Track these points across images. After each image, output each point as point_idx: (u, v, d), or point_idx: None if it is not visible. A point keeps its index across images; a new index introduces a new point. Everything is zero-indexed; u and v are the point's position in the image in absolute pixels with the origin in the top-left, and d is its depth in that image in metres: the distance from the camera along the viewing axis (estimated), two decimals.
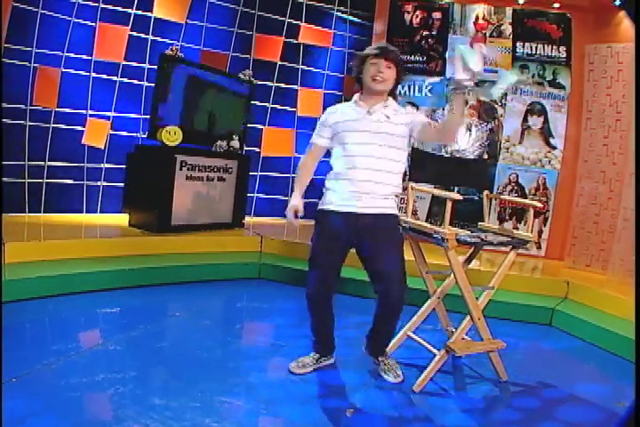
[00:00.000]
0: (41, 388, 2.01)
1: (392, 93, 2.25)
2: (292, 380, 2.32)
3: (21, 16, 4.27)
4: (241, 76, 5.06)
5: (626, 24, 4.40)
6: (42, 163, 4.61)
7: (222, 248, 4.35)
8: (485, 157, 5.10)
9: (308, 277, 2.29)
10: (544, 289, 3.84)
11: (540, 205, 2.65)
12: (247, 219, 5.21)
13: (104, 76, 4.81)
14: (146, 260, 3.80)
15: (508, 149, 5.04)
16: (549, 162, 4.96)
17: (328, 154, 2.34)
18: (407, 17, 5.29)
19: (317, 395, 2.23)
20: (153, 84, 4.50)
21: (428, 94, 5.23)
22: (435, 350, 2.41)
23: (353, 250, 2.27)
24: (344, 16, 5.74)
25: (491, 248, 3.36)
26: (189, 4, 5.01)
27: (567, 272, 4.29)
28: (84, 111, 4.73)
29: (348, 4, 5.70)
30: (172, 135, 4.25)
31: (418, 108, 5.24)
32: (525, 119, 5.01)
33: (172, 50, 4.39)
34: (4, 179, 4.22)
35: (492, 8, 5.08)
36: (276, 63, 5.51)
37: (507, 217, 5.03)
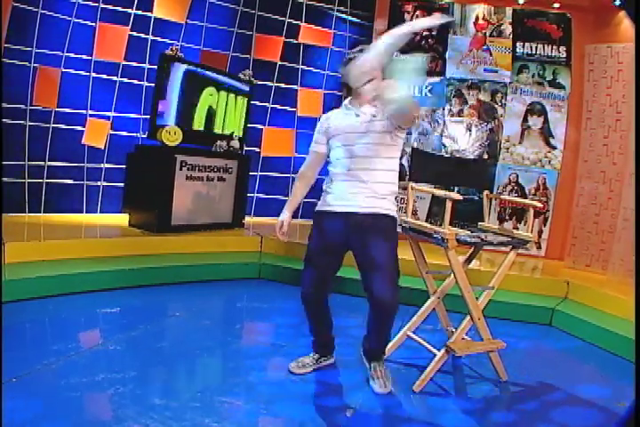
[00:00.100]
0: (41, 388, 2.01)
1: None
2: (291, 380, 2.32)
3: (21, 16, 4.27)
4: (241, 76, 5.06)
5: (626, 24, 4.40)
6: (42, 163, 4.61)
7: (222, 248, 4.35)
8: (485, 157, 5.10)
9: (303, 276, 2.29)
10: (544, 289, 3.84)
11: (540, 205, 2.65)
12: (247, 219, 5.21)
13: (104, 76, 4.82)
14: (146, 260, 3.80)
15: (507, 149, 5.05)
16: (549, 162, 4.96)
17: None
18: (407, 17, 5.29)
19: (317, 395, 2.23)
20: (153, 84, 4.49)
21: (428, 94, 5.22)
22: (435, 350, 2.41)
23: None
24: (344, 16, 5.74)
25: (491, 248, 3.36)
26: (189, 4, 5.02)
27: (567, 272, 4.29)
28: (84, 111, 4.74)
29: (347, 4, 5.70)
30: (171, 135, 4.25)
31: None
32: (525, 119, 5.01)
33: (172, 50, 4.39)
34: (4, 179, 4.22)
35: (492, 8, 5.08)
36: (276, 63, 5.51)
37: (507, 217, 5.04)
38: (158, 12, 4.82)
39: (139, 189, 4.42)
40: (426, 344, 2.50)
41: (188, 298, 3.52)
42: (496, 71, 5.07)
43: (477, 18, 5.12)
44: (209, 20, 5.28)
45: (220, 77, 4.85)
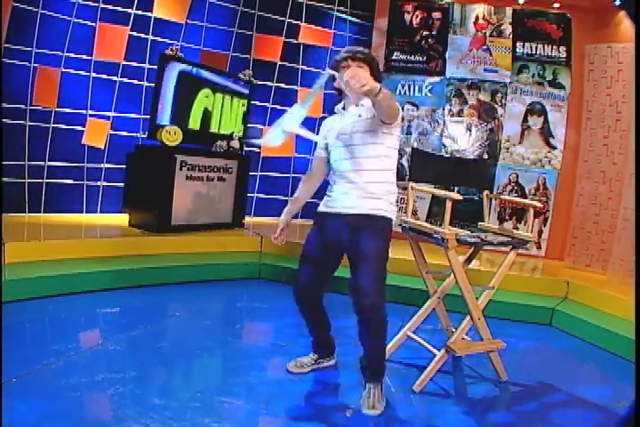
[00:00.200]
0: (41, 388, 2.01)
1: None
2: (291, 380, 2.32)
3: (21, 16, 4.27)
4: (241, 76, 5.06)
5: (626, 24, 4.40)
6: (42, 163, 4.60)
7: (222, 248, 4.35)
8: (485, 157, 5.10)
9: (298, 273, 2.29)
10: (544, 289, 3.84)
11: (540, 205, 2.65)
12: (247, 219, 5.21)
13: (104, 76, 4.81)
14: (146, 260, 3.80)
15: (507, 149, 5.05)
16: (549, 162, 4.96)
17: None
18: (407, 17, 5.29)
19: (317, 395, 2.23)
20: (153, 84, 4.49)
21: (428, 94, 5.23)
22: (435, 350, 2.41)
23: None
24: (344, 16, 5.74)
25: (491, 248, 3.36)
26: (189, 4, 5.01)
27: (567, 272, 4.29)
28: (84, 111, 4.73)
29: (347, 4, 5.70)
30: (171, 135, 4.25)
31: (418, 108, 5.24)
32: (525, 119, 5.01)
33: (172, 50, 4.39)
34: (4, 179, 4.22)
35: (492, 8, 5.08)
36: (276, 63, 5.51)
37: (507, 217, 5.04)
38: (158, 12, 4.82)
39: (139, 189, 4.42)
40: (426, 344, 2.49)
41: (188, 298, 3.52)
42: (496, 71, 5.08)
43: (477, 18, 5.12)
44: (209, 20, 5.28)
45: (217, 79, 4.85)
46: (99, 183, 4.97)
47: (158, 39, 4.98)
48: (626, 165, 4.04)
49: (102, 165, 4.93)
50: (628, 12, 4.27)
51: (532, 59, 5.00)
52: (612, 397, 2.42)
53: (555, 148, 4.95)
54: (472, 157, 5.11)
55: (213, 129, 4.89)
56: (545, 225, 4.96)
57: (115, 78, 4.85)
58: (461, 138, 5.15)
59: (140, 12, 4.81)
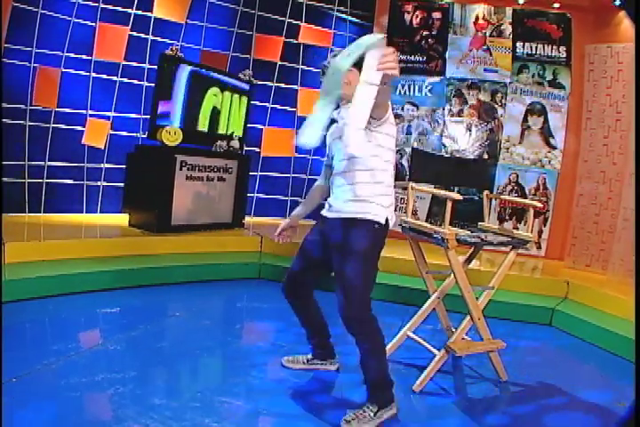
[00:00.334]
0: (41, 388, 2.01)
1: None
2: (291, 380, 2.32)
3: (21, 16, 4.27)
4: (241, 76, 5.06)
5: (626, 24, 4.40)
6: (42, 163, 4.61)
7: (222, 248, 4.35)
8: (485, 157, 5.10)
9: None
10: (544, 289, 3.84)
11: (540, 205, 2.65)
12: (247, 219, 5.21)
13: (104, 76, 4.81)
14: (146, 260, 3.80)
15: (507, 149, 5.05)
16: (549, 162, 4.96)
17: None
18: (407, 17, 5.29)
19: (317, 395, 2.23)
20: (153, 84, 4.49)
21: (428, 94, 5.23)
22: (435, 350, 2.41)
23: None
24: (344, 16, 5.74)
25: (491, 248, 3.36)
26: (189, 4, 5.01)
27: (567, 272, 4.29)
28: (84, 111, 4.73)
29: (348, 4, 5.70)
30: (171, 135, 4.25)
31: (418, 108, 5.24)
32: (525, 119, 5.01)
33: (172, 50, 4.39)
34: (4, 179, 4.22)
35: (492, 8, 5.08)
36: (276, 63, 5.51)
37: (507, 217, 5.04)
38: (158, 12, 4.82)
39: (139, 189, 4.42)
40: (426, 344, 2.50)
41: (188, 298, 3.52)
42: (496, 71, 5.08)
43: (477, 18, 5.12)
44: (209, 20, 5.28)
45: (223, 77, 4.86)
46: (99, 183, 4.97)
47: (158, 39, 4.98)
48: (626, 165, 4.04)
49: (102, 165, 4.93)
50: (628, 12, 4.27)
51: (532, 59, 5.00)
52: (612, 397, 2.42)
53: (555, 148, 4.95)
54: (472, 157, 5.11)
55: (222, 128, 4.90)
56: (545, 225, 4.96)
57: (115, 78, 4.85)
58: (461, 138, 5.15)
59: (140, 12, 4.81)
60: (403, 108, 5.25)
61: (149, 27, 4.88)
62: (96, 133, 4.64)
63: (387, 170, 2.02)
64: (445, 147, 5.17)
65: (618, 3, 4.40)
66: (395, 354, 2.59)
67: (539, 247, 4.96)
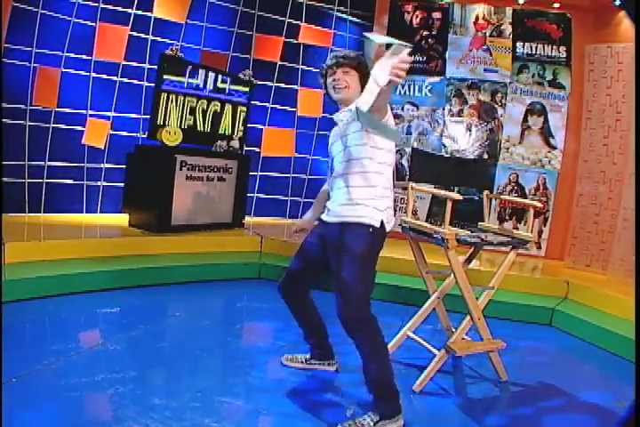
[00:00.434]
0: (41, 388, 2.01)
1: None
2: (291, 380, 2.32)
3: (21, 16, 4.27)
4: (241, 76, 5.06)
5: (626, 24, 4.40)
6: (42, 163, 4.61)
7: (222, 248, 4.35)
8: (485, 157, 5.10)
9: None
10: (544, 289, 3.84)
11: (540, 205, 2.65)
12: (247, 219, 5.21)
13: (104, 76, 4.81)
14: (146, 260, 3.80)
15: (507, 149, 5.05)
16: (549, 162, 4.96)
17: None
18: (407, 17, 5.29)
19: (317, 395, 2.23)
20: (153, 84, 4.49)
21: (428, 94, 5.23)
22: (435, 350, 2.41)
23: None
24: (344, 16, 5.74)
25: (491, 248, 3.36)
26: (189, 4, 5.01)
27: (567, 272, 4.29)
28: (84, 111, 4.74)
29: (347, 4, 5.70)
30: (171, 135, 4.25)
31: (418, 108, 5.25)
32: (525, 119, 5.01)
33: (172, 50, 4.39)
34: (4, 179, 4.22)
35: (492, 8, 5.08)
36: (276, 63, 5.51)
37: (507, 217, 5.04)
38: (158, 12, 4.82)
39: (139, 189, 4.42)
40: (426, 344, 2.50)
41: (188, 298, 3.52)
42: (496, 71, 5.08)
43: (477, 18, 5.12)
44: (209, 20, 5.28)
45: (223, 96, 4.85)
46: (99, 183, 4.97)
47: (158, 39, 4.98)
48: (626, 165, 4.04)
49: (102, 165, 4.93)
50: (628, 12, 4.27)
51: (532, 59, 5.00)
52: (611, 397, 2.42)
53: (555, 148, 4.95)
54: (472, 157, 5.12)
55: (221, 130, 4.91)
56: (545, 225, 4.96)
57: (115, 78, 4.85)
58: (461, 138, 5.15)
59: (140, 12, 4.81)
60: (403, 108, 5.25)
61: (149, 27, 4.88)
62: (96, 133, 4.64)
63: (382, 173, 1.99)
64: (445, 147, 5.17)
65: (618, 3, 4.40)
66: (395, 354, 2.59)
67: (539, 247, 4.96)
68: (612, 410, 2.28)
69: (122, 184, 4.83)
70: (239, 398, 2.09)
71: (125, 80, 4.92)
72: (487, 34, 5.10)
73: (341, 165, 2.01)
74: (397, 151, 5.12)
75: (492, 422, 2.17)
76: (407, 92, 5.26)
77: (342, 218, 1.99)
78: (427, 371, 2.33)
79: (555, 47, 4.95)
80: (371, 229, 1.94)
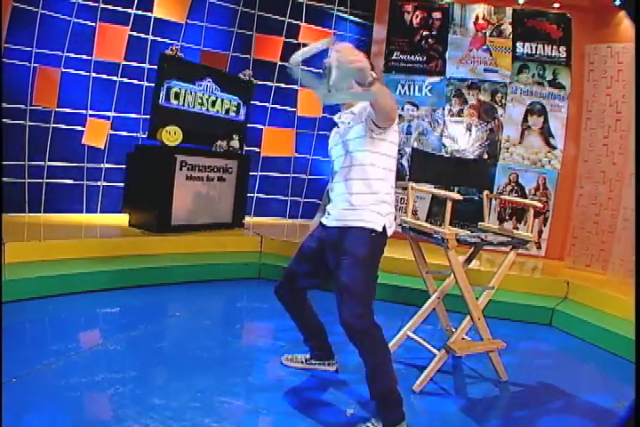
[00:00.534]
0: (41, 388, 2.01)
1: None
2: (291, 380, 2.32)
3: (21, 16, 4.27)
4: (241, 76, 5.06)
5: (626, 24, 4.40)
6: (42, 163, 4.61)
7: (222, 248, 4.35)
8: (485, 157, 5.10)
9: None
10: (544, 289, 3.84)
11: (540, 205, 2.65)
12: (247, 219, 5.21)
13: (104, 76, 4.81)
14: (146, 260, 3.80)
15: (507, 149, 5.05)
16: (549, 162, 4.96)
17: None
18: (407, 17, 5.29)
19: (317, 395, 2.23)
20: (153, 84, 4.49)
21: (428, 94, 5.23)
22: (435, 350, 2.41)
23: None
24: (344, 16, 5.74)
25: (491, 248, 3.36)
26: (189, 4, 5.02)
27: (567, 272, 4.29)
28: (84, 111, 4.74)
29: (348, 4, 5.70)
30: (171, 135, 4.25)
31: (418, 108, 5.25)
32: (525, 119, 5.01)
33: (172, 50, 4.39)
34: (4, 179, 4.22)
35: (492, 8, 5.08)
36: (276, 63, 5.51)
37: (507, 217, 5.04)
38: (158, 12, 4.82)
39: (139, 189, 4.42)
40: (426, 344, 2.50)
41: (188, 298, 3.52)
42: (496, 71, 5.08)
43: (477, 18, 5.12)
44: (209, 20, 5.28)
45: (221, 115, 4.87)
46: (99, 183, 4.97)
47: (158, 39, 4.98)
48: (626, 165, 4.04)
49: (102, 165, 4.93)
50: (628, 12, 4.27)
51: (532, 59, 5.00)
52: (611, 397, 2.42)
53: (555, 148, 4.95)
54: (472, 157, 5.12)
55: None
56: (545, 225, 4.96)
57: (115, 78, 4.85)
58: (461, 138, 5.15)
59: (140, 12, 4.81)
60: (403, 108, 5.25)
61: (149, 27, 4.88)
62: (96, 133, 4.64)
63: (385, 179, 1.97)
64: (445, 147, 5.17)
65: (618, 3, 4.40)
66: (395, 354, 2.58)
67: (539, 247, 4.96)
68: (612, 410, 2.28)
69: (122, 184, 4.83)
70: (239, 398, 2.09)
71: (125, 80, 4.92)
72: (487, 34, 5.10)
73: (343, 171, 1.99)
74: (397, 151, 5.11)
75: (492, 423, 2.17)
76: (407, 92, 5.26)
77: (344, 222, 1.97)
78: (427, 371, 2.33)
79: (555, 47, 4.95)
80: (373, 234, 1.92)
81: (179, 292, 3.62)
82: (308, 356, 2.46)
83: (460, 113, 5.16)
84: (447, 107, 5.18)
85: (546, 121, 4.97)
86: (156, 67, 4.44)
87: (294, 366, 2.45)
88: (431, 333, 2.88)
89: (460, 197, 2.23)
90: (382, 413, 1.93)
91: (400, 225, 2.52)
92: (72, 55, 4.61)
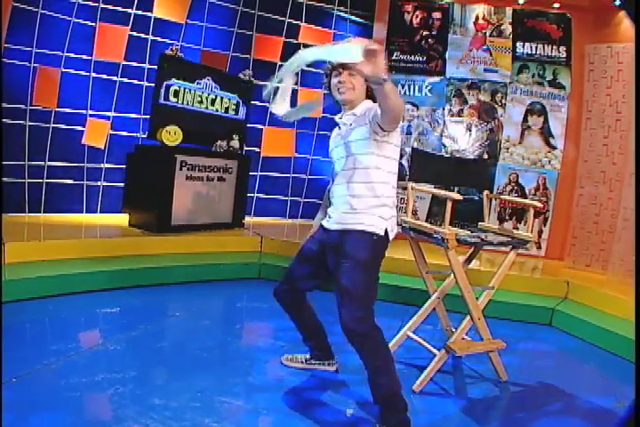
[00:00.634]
0: (41, 388, 2.01)
1: (372, 97, 2.00)
2: (291, 379, 2.32)
3: (21, 16, 4.27)
4: (241, 76, 5.06)
5: (626, 24, 4.40)
6: (42, 163, 4.61)
7: (222, 248, 4.35)
8: (485, 157, 5.10)
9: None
10: (544, 289, 3.84)
11: (540, 205, 2.65)
12: (247, 219, 5.21)
13: (104, 76, 4.82)
14: (146, 260, 3.80)
15: (507, 149, 5.05)
16: (549, 162, 4.96)
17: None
18: (407, 17, 5.29)
19: (317, 395, 2.23)
20: (153, 84, 4.50)
21: (428, 94, 5.23)
22: (435, 350, 2.41)
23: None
24: (344, 16, 5.74)
25: (491, 248, 3.36)
26: (189, 4, 5.02)
27: (567, 272, 4.29)
28: (84, 111, 4.74)
29: (348, 4, 5.70)
30: (171, 135, 4.25)
31: (418, 108, 5.24)
32: (525, 119, 5.01)
33: (172, 50, 4.39)
34: (4, 179, 4.22)
35: (492, 8, 5.08)
36: (276, 63, 5.51)
37: (507, 217, 5.04)
38: (158, 12, 4.82)
39: (139, 189, 4.42)
40: (426, 344, 2.50)
41: (188, 298, 3.52)
42: (496, 71, 5.08)
43: (477, 18, 5.12)
44: (209, 20, 5.28)
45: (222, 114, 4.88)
46: (99, 183, 4.97)
47: (158, 39, 4.99)
48: (626, 165, 4.04)
49: (102, 165, 4.93)
50: (628, 12, 4.27)
51: (532, 59, 5.00)
52: (612, 397, 2.42)
53: (555, 148, 4.95)
54: (472, 157, 5.12)
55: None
56: (545, 225, 4.96)
57: (115, 78, 4.85)
58: (461, 138, 5.15)
59: (140, 12, 4.81)
60: None
61: (149, 27, 4.88)
62: (96, 133, 4.64)
63: (388, 182, 1.96)
64: (445, 147, 5.17)
65: (618, 3, 4.40)
66: (395, 354, 2.57)
67: (539, 247, 4.96)
68: (612, 410, 2.28)
69: (122, 184, 4.83)
70: (239, 398, 2.09)
71: (125, 80, 4.92)
72: (487, 34, 5.10)
73: (345, 173, 1.97)
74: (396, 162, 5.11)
75: (492, 423, 2.17)
76: (407, 92, 5.26)
77: (345, 225, 1.95)
78: (427, 371, 2.33)
79: (555, 47, 4.95)
80: (375, 237, 1.91)
81: (179, 292, 3.62)
82: (307, 356, 2.46)
83: (459, 113, 5.16)
84: (447, 107, 5.18)
85: (546, 121, 4.97)
86: (156, 67, 4.44)
87: (294, 366, 2.45)
88: (431, 333, 2.88)
89: (460, 197, 2.23)
90: (387, 418, 1.91)
91: (400, 225, 2.52)
92: (72, 55, 4.62)
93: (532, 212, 2.58)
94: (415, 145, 5.24)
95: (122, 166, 4.79)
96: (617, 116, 4.33)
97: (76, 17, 4.55)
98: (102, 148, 4.75)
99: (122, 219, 4.61)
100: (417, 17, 5.26)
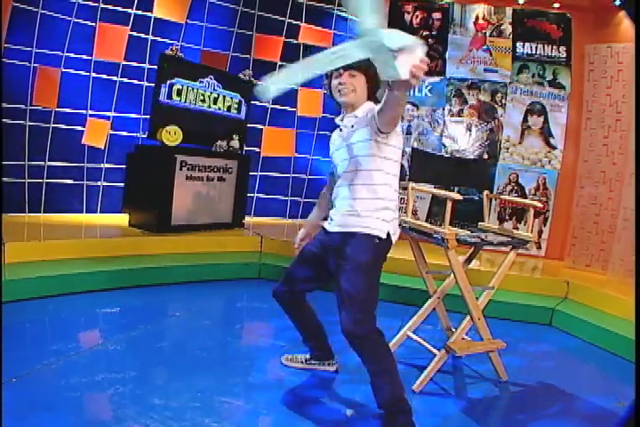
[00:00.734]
0: (41, 388, 2.01)
1: (374, 99, 2.02)
2: (291, 380, 2.32)
3: (21, 16, 4.27)
4: (241, 76, 5.06)
5: (626, 24, 4.40)
6: (42, 163, 4.61)
7: (222, 248, 4.35)
8: (485, 157, 5.10)
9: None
10: (544, 289, 3.84)
11: (540, 205, 2.65)
12: (247, 219, 5.21)
13: (104, 76, 4.82)
14: (146, 260, 3.80)
15: (507, 149, 5.05)
16: (549, 162, 4.96)
17: None
18: (407, 17, 5.29)
19: (317, 395, 2.23)
20: (153, 84, 4.50)
21: (428, 94, 5.22)
22: (435, 350, 2.41)
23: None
24: (344, 16, 5.74)
25: (491, 248, 3.36)
26: (189, 4, 5.02)
27: (567, 272, 4.29)
28: (84, 111, 4.74)
29: None
30: (171, 135, 4.25)
31: (418, 108, 5.24)
32: (525, 119, 5.01)
33: (172, 50, 4.39)
34: (4, 179, 4.22)
35: (492, 8, 5.08)
36: (276, 63, 5.51)
37: (507, 217, 5.04)
38: (158, 12, 4.82)
39: (139, 189, 4.42)
40: (426, 344, 2.50)
41: (188, 298, 3.52)
42: (496, 71, 5.08)
43: (477, 18, 5.12)
44: (209, 20, 5.28)
45: (223, 112, 4.86)
46: (99, 183, 4.97)
47: (158, 39, 4.99)
48: (626, 165, 4.04)
49: (102, 165, 4.93)
50: (628, 12, 4.27)
51: (532, 59, 5.00)
52: (612, 397, 2.42)
53: (555, 148, 4.95)
54: (472, 157, 5.12)
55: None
56: (545, 225, 4.96)
57: (115, 78, 4.85)
58: (461, 138, 5.15)
59: (140, 12, 4.81)
60: None
61: (149, 27, 4.88)
62: (96, 133, 4.64)
63: (390, 184, 1.94)
64: (445, 147, 5.17)
65: (618, 3, 4.39)
66: (395, 354, 2.57)
67: (539, 247, 4.95)
68: (612, 410, 2.28)
69: (122, 184, 4.83)
70: (239, 398, 2.09)
71: (125, 80, 4.92)
72: (487, 34, 5.10)
73: (347, 175, 1.96)
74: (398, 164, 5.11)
75: (492, 423, 2.17)
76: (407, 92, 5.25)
77: (347, 228, 1.94)
78: (427, 371, 2.33)
79: (555, 47, 4.95)
80: (377, 240, 1.90)
81: (179, 292, 3.62)
82: (307, 356, 2.46)
83: (459, 113, 5.16)
84: (447, 107, 5.17)
85: (546, 121, 4.97)
86: (156, 67, 4.44)
87: (294, 366, 2.45)
88: (431, 333, 2.88)
89: (460, 197, 2.23)
90: (391, 422, 1.89)
91: (400, 225, 2.52)
92: (72, 55, 4.62)
93: (531, 212, 2.58)
94: (415, 145, 5.24)
95: (122, 166, 4.79)
96: (617, 116, 4.33)
97: (75, 17, 4.55)
98: (102, 148, 4.75)
99: (122, 219, 4.61)
100: (417, 17, 5.26)
